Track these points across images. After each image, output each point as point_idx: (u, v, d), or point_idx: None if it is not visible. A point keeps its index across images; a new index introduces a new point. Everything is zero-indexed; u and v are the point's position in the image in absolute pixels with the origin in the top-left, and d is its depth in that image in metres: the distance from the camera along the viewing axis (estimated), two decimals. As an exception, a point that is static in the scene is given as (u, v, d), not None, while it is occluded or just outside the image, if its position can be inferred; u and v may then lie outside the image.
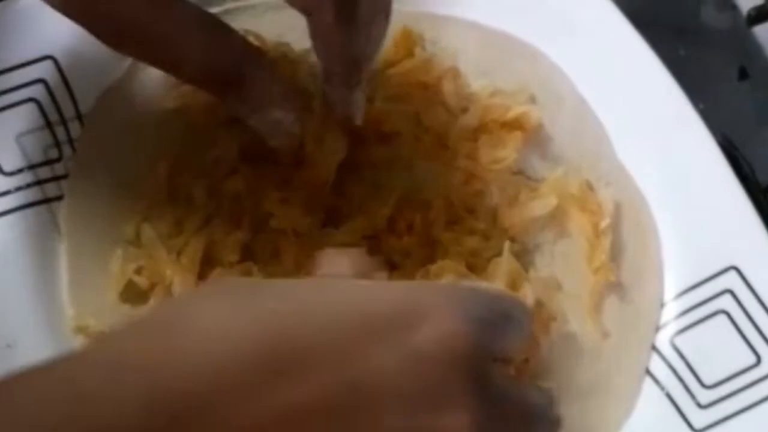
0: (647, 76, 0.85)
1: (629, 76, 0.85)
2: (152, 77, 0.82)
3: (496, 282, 0.78)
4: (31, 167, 0.79)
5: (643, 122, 0.85)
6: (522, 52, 0.87)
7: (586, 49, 0.86)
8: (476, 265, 0.80)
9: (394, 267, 0.80)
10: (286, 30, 0.85)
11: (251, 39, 0.80)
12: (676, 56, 0.94)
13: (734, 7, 1.03)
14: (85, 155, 0.81)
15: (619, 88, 0.85)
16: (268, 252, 0.80)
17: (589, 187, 0.84)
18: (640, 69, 0.85)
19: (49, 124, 0.80)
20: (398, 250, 0.80)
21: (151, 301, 0.79)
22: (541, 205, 0.82)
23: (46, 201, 0.80)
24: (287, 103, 0.75)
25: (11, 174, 0.79)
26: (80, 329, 0.78)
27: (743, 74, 1.03)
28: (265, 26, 0.84)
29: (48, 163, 0.80)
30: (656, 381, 0.81)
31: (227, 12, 0.84)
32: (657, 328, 0.81)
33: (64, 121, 0.80)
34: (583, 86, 0.86)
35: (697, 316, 0.81)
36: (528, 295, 0.78)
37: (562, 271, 0.83)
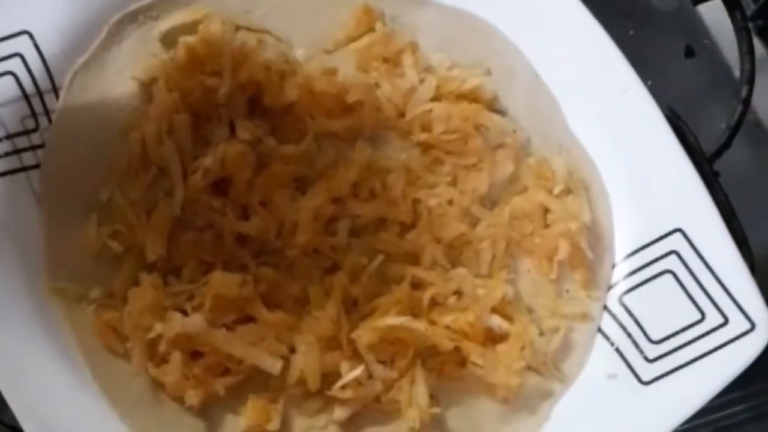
0: (598, 52, 0.89)
1: (581, 53, 0.89)
2: (125, 51, 0.85)
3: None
4: (9, 137, 0.82)
5: (593, 96, 0.89)
6: (478, 28, 0.91)
7: (540, 27, 0.90)
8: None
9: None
10: (251, 7, 0.88)
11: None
12: (626, 36, 0.98)
13: (681, -12, 1.08)
14: (61, 126, 0.83)
15: (571, 64, 0.89)
16: (237, 217, 0.83)
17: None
18: (592, 46, 0.89)
19: (26, 96, 0.83)
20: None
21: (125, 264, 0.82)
22: (499, 171, 0.86)
23: (23, 169, 0.82)
24: None
25: (-11, 143, 0.81)
26: (57, 291, 0.81)
27: (689, 52, 1.07)
28: (232, 4, 0.88)
29: (25, 133, 0.83)
30: (606, 337, 0.85)
31: (197, -10, 0.87)
32: (608, 288, 0.85)
33: (40, 93, 0.83)
34: (537, 62, 0.90)
35: (644, 276, 0.85)
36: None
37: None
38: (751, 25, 1.00)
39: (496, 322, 0.83)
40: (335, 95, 0.86)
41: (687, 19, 1.08)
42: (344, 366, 0.81)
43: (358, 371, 0.80)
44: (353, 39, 0.89)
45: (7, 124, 0.82)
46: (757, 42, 1.01)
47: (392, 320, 0.81)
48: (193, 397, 0.80)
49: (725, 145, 0.95)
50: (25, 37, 0.83)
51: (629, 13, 1.07)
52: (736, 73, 1.01)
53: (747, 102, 0.96)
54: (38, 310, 0.80)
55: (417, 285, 0.84)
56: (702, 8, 1.04)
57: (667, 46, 1.07)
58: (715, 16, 1.05)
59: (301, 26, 0.89)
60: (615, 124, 0.88)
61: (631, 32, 1.03)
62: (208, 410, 0.82)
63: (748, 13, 1.00)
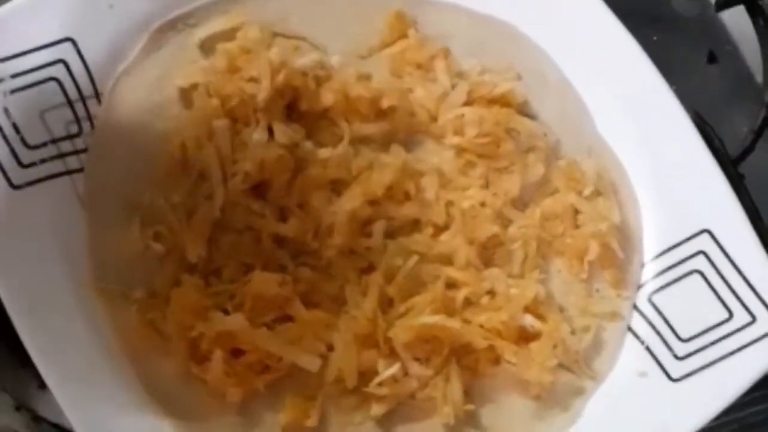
0: (626, 57, 0.91)
1: (609, 58, 0.91)
2: (164, 58, 0.87)
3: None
4: (54, 141, 0.84)
5: (621, 99, 0.91)
6: (509, 34, 0.93)
7: (570, 33, 0.92)
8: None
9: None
10: (287, 15, 0.90)
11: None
12: (651, 42, 0.98)
13: (703, -5, 1.10)
14: (103, 130, 0.85)
15: (600, 69, 0.92)
16: (275, 219, 0.85)
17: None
18: (619, 51, 0.91)
19: (69, 102, 0.85)
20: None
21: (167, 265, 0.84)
22: (530, 174, 0.88)
23: (67, 173, 0.84)
24: None
25: (35, 147, 0.83)
26: (102, 292, 0.83)
27: (712, 58, 1.09)
28: (269, 11, 0.90)
29: (69, 137, 0.84)
30: (636, 336, 0.87)
31: None
32: (638, 287, 0.87)
33: (83, 99, 0.85)
34: (567, 67, 0.93)
35: (673, 276, 0.87)
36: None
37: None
38: (773, 30, 1.01)
39: (529, 321, 0.85)
40: (370, 100, 0.88)
41: (709, 25, 1.10)
42: (381, 364, 0.83)
43: (395, 369, 0.82)
44: (387, 45, 0.92)
45: (52, 128, 0.84)
46: (779, 48, 1.02)
47: (427, 319, 0.83)
48: (234, 395, 0.82)
49: (749, 149, 0.97)
50: (69, 44, 0.85)
51: (653, 19, 1.09)
52: (758, 77, 1.03)
53: (770, 106, 0.98)
54: (83, 310, 0.82)
55: (451, 285, 0.85)
56: (724, 14, 1.06)
57: (690, 51, 1.09)
58: (737, 22, 1.07)
59: (336, 33, 0.91)
60: (642, 126, 0.90)
61: (655, 38, 1.05)
62: (248, 407, 0.83)
63: (771, 18, 1.01)
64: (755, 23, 1.01)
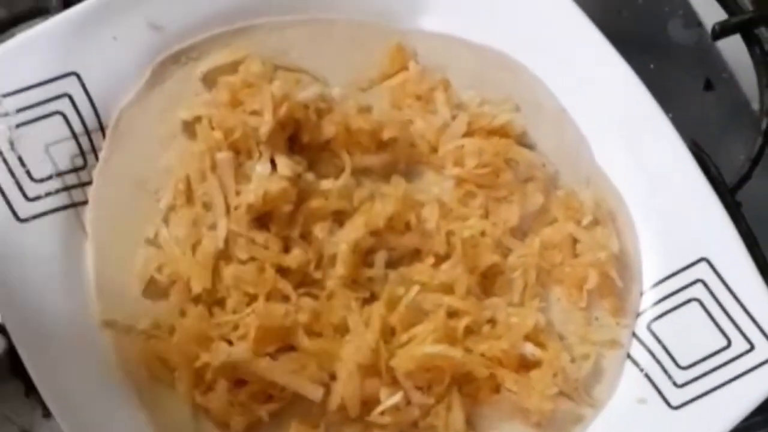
0: (622, 86, 0.92)
1: (605, 87, 0.93)
2: (168, 90, 0.88)
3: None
4: (59, 174, 0.85)
5: (618, 128, 0.92)
6: (507, 65, 0.94)
7: (566, 63, 0.93)
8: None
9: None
10: (288, 48, 0.92)
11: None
12: (647, 70, 0.99)
13: (699, 24, 1.11)
14: (108, 163, 0.86)
15: (596, 98, 0.93)
16: (278, 250, 0.86)
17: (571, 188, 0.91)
18: (616, 80, 0.93)
19: (74, 135, 0.86)
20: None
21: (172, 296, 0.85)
22: (529, 203, 0.89)
23: (73, 205, 0.85)
24: None
25: (41, 181, 0.84)
26: (107, 324, 0.84)
27: (708, 85, 1.10)
28: (270, 45, 0.91)
29: (74, 170, 0.86)
30: (636, 363, 0.87)
31: (240, 30, 0.90)
32: (637, 315, 0.88)
33: (88, 132, 0.86)
34: (564, 96, 0.94)
35: (672, 304, 0.88)
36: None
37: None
38: (769, 59, 1.02)
39: (529, 349, 0.85)
40: (371, 132, 0.89)
41: (706, 53, 1.11)
42: (383, 392, 0.83)
43: (397, 398, 0.83)
44: (387, 77, 0.93)
45: (58, 162, 0.85)
46: (775, 76, 1.03)
47: (429, 348, 0.84)
48: (238, 424, 0.83)
49: (746, 177, 0.98)
50: (73, 78, 0.86)
51: (650, 47, 1.10)
52: (754, 105, 1.04)
53: (767, 134, 0.99)
54: (88, 341, 0.83)
55: (452, 314, 0.86)
56: (720, 43, 1.07)
57: (686, 79, 1.10)
58: (733, 49, 1.08)
59: (337, 65, 0.92)
60: (639, 155, 0.91)
61: (652, 66, 1.06)
62: (252, 436, 0.84)
63: (767, 47, 1.02)
64: (751, 51, 1.02)
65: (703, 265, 0.87)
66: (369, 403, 0.84)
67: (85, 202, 0.86)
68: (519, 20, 0.94)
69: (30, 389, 0.80)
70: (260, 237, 0.86)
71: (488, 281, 0.88)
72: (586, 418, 0.87)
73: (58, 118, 0.86)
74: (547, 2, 0.93)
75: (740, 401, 0.84)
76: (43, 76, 0.86)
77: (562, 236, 0.89)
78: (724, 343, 0.86)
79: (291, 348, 0.85)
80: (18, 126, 0.84)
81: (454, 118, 0.91)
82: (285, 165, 0.86)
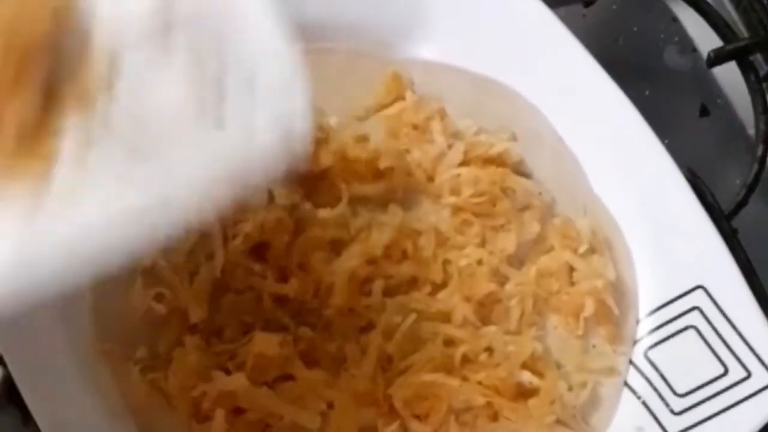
0: (617, 114, 0.93)
1: (601, 115, 0.93)
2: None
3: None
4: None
5: (615, 157, 0.93)
6: (503, 94, 0.95)
7: (562, 91, 0.94)
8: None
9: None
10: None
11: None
12: (643, 96, 1.00)
13: (695, 50, 1.11)
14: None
15: (593, 126, 0.93)
16: (275, 280, 0.86)
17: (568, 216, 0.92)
18: (611, 108, 0.93)
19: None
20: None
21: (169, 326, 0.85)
22: (526, 232, 0.89)
23: (70, 236, 0.85)
24: None
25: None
26: (104, 353, 0.84)
27: (704, 111, 1.11)
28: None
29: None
30: (633, 391, 0.87)
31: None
32: (633, 343, 0.88)
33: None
34: (560, 125, 0.95)
35: (668, 332, 0.88)
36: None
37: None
38: (765, 86, 1.03)
39: (527, 377, 0.85)
40: (368, 161, 0.89)
41: (701, 79, 1.11)
42: (380, 421, 0.83)
43: (394, 426, 0.83)
44: (384, 106, 0.93)
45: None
46: (771, 102, 1.03)
47: (426, 377, 0.84)
48: (235, 453, 0.83)
49: (742, 203, 0.98)
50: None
51: (645, 73, 1.11)
52: (750, 131, 1.05)
53: (763, 161, 0.99)
54: (85, 371, 0.83)
55: (449, 342, 0.86)
56: (716, 69, 1.07)
57: (682, 105, 1.11)
58: (728, 76, 1.08)
59: (333, 95, 0.93)
60: (635, 184, 0.92)
61: (647, 92, 1.07)
62: (249, 465, 0.84)
63: (762, 74, 1.03)
64: (746, 78, 1.02)
65: (700, 292, 0.88)
66: (367, 432, 0.84)
67: (82, 232, 0.86)
68: (516, 49, 0.95)
69: (27, 419, 0.80)
70: (257, 266, 0.86)
71: (485, 309, 0.88)
72: (583, 447, 0.87)
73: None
74: (544, 33, 0.94)
75: (737, 428, 0.84)
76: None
77: (559, 264, 0.89)
78: (721, 370, 0.86)
79: (289, 377, 0.85)
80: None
81: (450, 146, 0.92)
82: (281, 194, 0.87)
